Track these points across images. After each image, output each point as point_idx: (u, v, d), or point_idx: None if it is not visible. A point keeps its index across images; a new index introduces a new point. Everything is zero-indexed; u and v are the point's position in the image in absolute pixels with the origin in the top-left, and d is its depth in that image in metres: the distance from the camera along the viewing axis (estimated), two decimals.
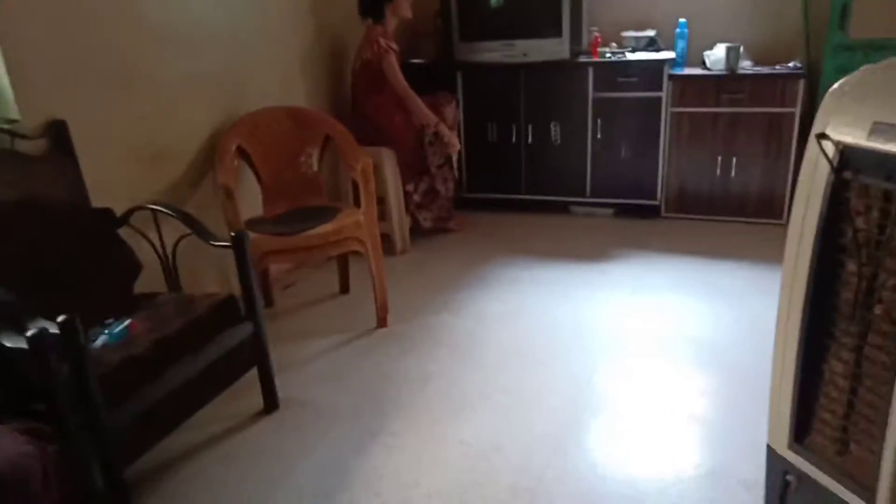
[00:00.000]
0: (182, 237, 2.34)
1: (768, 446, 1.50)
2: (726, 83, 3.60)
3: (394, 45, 3.50)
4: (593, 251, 3.53)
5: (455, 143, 3.65)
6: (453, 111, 3.83)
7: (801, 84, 3.47)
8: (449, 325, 2.83)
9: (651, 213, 3.94)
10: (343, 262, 3.16)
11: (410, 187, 3.63)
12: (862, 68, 1.28)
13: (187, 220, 2.26)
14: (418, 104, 3.52)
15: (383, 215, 3.38)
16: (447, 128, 3.62)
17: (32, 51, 2.12)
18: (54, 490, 1.47)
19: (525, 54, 3.87)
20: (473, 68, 4.01)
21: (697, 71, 3.71)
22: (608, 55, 3.83)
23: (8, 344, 1.52)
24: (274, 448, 2.10)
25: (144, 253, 2.35)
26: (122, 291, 2.28)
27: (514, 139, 4.06)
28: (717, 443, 2.00)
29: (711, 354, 2.50)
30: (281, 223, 2.72)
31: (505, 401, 2.28)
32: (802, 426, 1.40)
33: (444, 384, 2.40)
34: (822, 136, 1.23)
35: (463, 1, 3.93)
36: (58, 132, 2.19)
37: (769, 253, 3.35)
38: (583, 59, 3.84)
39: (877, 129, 1.13)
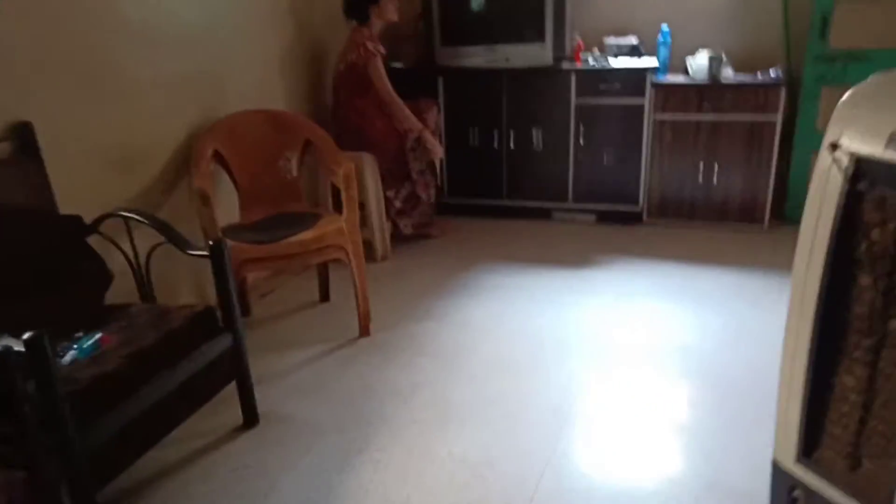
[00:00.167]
0: (156, 246, 2.23)
1: (774, 461, 1.46)
2: (708, 91, 3.59)
3: (381, 49, 3.42)
4: (576, 257, 3.49)
5: (438, 150, 3.59)
6: (435, 116, 3.77)
7: (782, 93, 3.48)
8: (432, 334, 2.76)
9: (633, 219, 3.92)
10: (323, 270, 3.07)
11: (391, 193, 3.56)
12: (872, 75, 1.25)
13: (163, 227, 2.16)
14: (404, 110, 3.45)
15: (363, 221, 3.30)
16: (431, 134, 3.55)
17: None
18: None
19: (507, 59, 3.83)
20: (455, 73, 3.95)
21: (680, 79, 3.70)
22: (591, 62, 3.81)
23: None
24: (255, 465, 2.00)
25: (115, 262, 2.24)
26: (92, 303, 2.17)
27: (495, 145, 4.01)
28: (711, 454, 1.96)
29: (699, 362, 2.47)
30: (259, 230, 2.63)
31: (492, 412, 2.22)
32: (811, 441, 1.36)
33: (429, 395, 2.32)
34: (835, 146, 1.19)
35: (445, 4, 3.88)
36: (23, 135, 2.08)
37: (752, 259, 3.35)
38: (565, 65, 3.81)
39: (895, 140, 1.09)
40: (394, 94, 3.41)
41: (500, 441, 2.06)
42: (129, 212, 2.23)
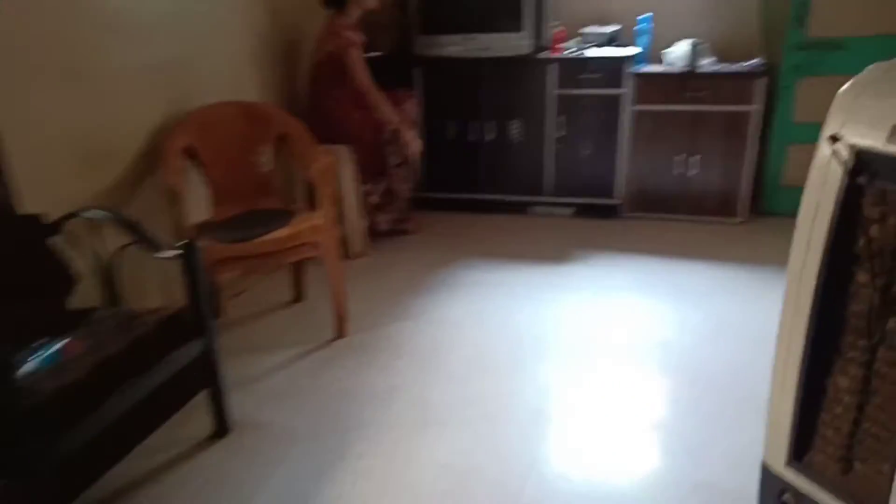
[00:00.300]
0: (124, 246, 2.13)
1: (764, 463, 1.43)
2: (688, 81, 3.56)
3: (359, 37, 3.31)
4: (555, 252, 3.45)
5: (416, 145, 3.51)
6: (413, 108, 3.69)
7: (762, 82, 3.46)
8: (411, 333, 2.69)
9: (611, 212, 3.88)
10: (297, 268, 2.99)
11: (368, 188, 3.47)
12: (871, 66, 1.20)
13: (132, 228, 2.06)
14: (381, 102, 3.35)
15: (339, 217, 3.22)
16: (408, 127, 3.47)
17: None
18: None
19: (486, 49, 3.76)
20: (433, 63, 3.88)
21: (659, 68, 3.67)
22: (570, 51, 3.75)
23: None
24: (228, 477, 1.92)
25: (80, 264, 2.13)
26: (55, 308, 2.07)
27: (473, 137, 3.94)
28: (695, 453, 1.93)
29: (679, 358, 2.44)
30: (232, 228, 2.53)
31: (473, 414, 2.16)
32: (802, 444, 1.33)
33: (409, 398, 2.26)
34: (834, 138, 1.15)
35: None
36: None
37: (730, 252, 3.34)
38: (544, 54, 3.75)
39: None
40: (373, 86, 3.32)
41: (482, 445, 2.01)
42: (95, 211, 2.13)
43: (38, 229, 2.08)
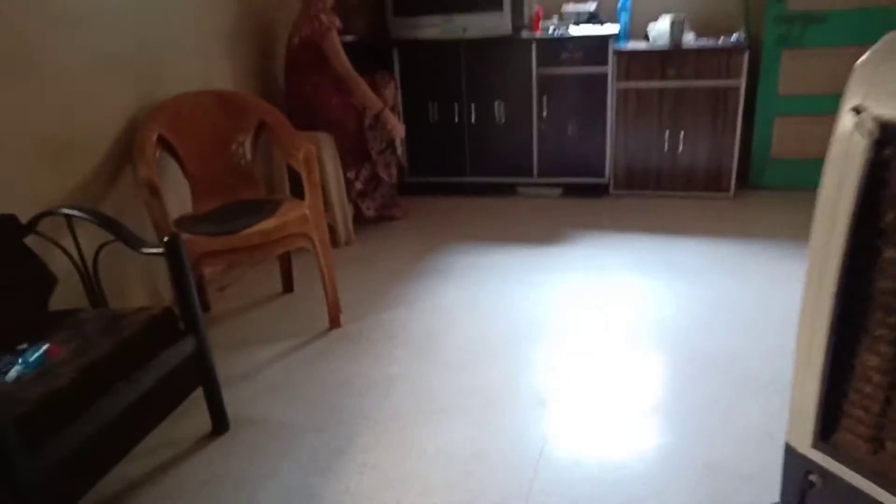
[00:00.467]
0: (103, 244, 2.03)
1: (787, 444, 1.40)
2: (671, 57, 3.52)
3: (336, 21, 3.20)
4: (545, 233, 3.41)
5: (400, 129, 3.42)
6: (393, 92, 3.59)
7: (745, 57, 3.43)
8: (406, 321, 2.63)
9: (599, 191, 3.85)
10: (285, 259, 2.90)
11: (352, 174, 3.38)
12: (888, 34, 1.16)
13: (110, 225, 1.96)
14: (363, 87, 3.25)
15: (323, 205, 3.12)
16: (391, 111, 3.38)
17: None
18: None
19: (465, 29, 3.68)
20: (410, 45, 3.78)
21: (642, 45, 3.62)
22: (551, 30, 3.69)
23: None
24: (229, 475, 1.86)
25: (58, 264, 2.03)
26: (35, 310, 1.97)
27: (456, 119, 3.87)
28: (702, 433, 1.91)
29: (677, 337, 2.42)
30: (216, 221, 2.44)
31: (475, 401, 2.12)
32: (829, 424, 1.30)
33: (409, 387, 2.21)
34: (858, 108, 1.11)
35: None
36: None
37: (720, 227, 3.33)
38: (525, 34, 3.68)
39: None
40: (352, 70, 3.22)
41: (486, 432, 1.97)
42: (71, 209, 2.02)
43: (13, 229, 1.97)
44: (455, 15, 3.68)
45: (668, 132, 3.64)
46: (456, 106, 3.84)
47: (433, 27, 3.72)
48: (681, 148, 3.65)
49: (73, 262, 2.07)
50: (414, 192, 3.98)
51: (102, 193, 2.43)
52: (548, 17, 3.83)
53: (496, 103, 3.79)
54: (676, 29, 3.49)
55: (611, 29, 3.63)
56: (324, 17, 3.14)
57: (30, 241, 1.98)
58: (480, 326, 2.57)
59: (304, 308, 2.76)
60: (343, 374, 2.30)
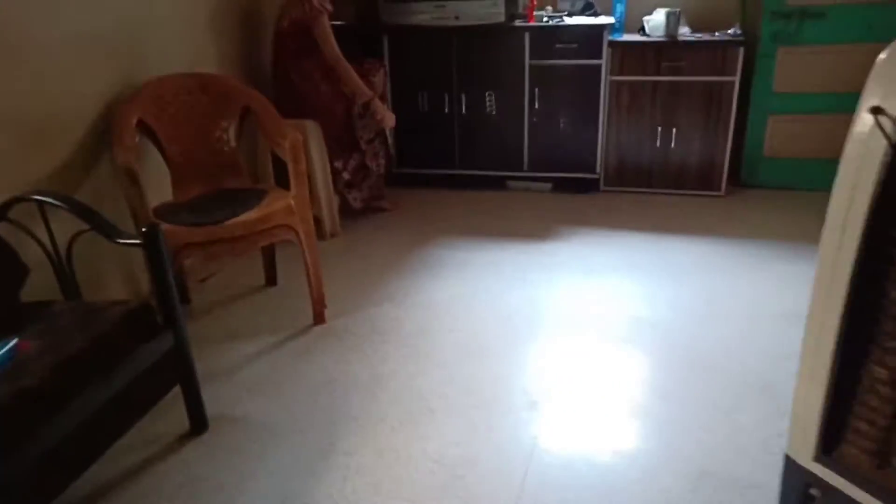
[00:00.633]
0: (78, 233, 1.94)
1: (787, 457, 1.36)
2: (666, 50, 3.47)
3: (328, 5, 3.10)
4: (536, 229, 3.35)
5: (389, 118, 3.34)
6: (382, 80, 3.51)
7: (740, 52, 3.38)
8: (394, 318, 2.57)
9: (590, 186, 3.79)
10: (268, 250, 2.82)
11: (339, 164, 3.30)
12: None
13: (85, 213, 1.87)
14: (352, 75, 3.16)
15: (309, 196, 3.04)
16: (380, 100, 3.30)
17: None
18: None
19: (457, 17, 3.59)
20: (401, 32, 3.70)
21: (637, 38, 3.56)
22: (545, 19, 3.62)
23: None
24: (207, 477, 1.79)
25: (30, 253, 1.94)
26: (5, 302, 1.88)
27: (446, 109, 3.79)
28: (697, 438, 1.86)
29: (672, 339, 2.37)
30: (197, 210, 2.35)
31: (464, 402, 2.06)
32: (832, 437, 1.25)
33: (397, 387, 2.14)
34: (877, 109, 1.05)
35: None
36: None
37: (712, 226, 3.29)
38: (519, 22, 3.61)
39: None
40: (341, 57, 3.12)
41: (476, 435, 1.91)
42: (45, 195, 1.93)
43: None
44: (447, 1, 3.60)
45: (660, 128, 3.59)
46: (446, 96, 3.77)
47: (425, 13, 3.64)
48: (673, 144, 3.60)
49: (46, 252, 1.98)
50: (402, 184, 3.91)
51: (80, 179, 2.34)
52: (542, 6, 3.75)
53: (487, 94, 3.72)
54: (672, 21, 3.44)
55: (605, 20, 3.56)
56: (315, 1, 3.04)
57: (0, 229, 1.89)
58: (472, 324, 2.51)
59: (288, 302, 2.68)
60: (327, 372, 2.23)
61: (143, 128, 2.46)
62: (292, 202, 2.39)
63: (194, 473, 1.80)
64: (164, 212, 2.35)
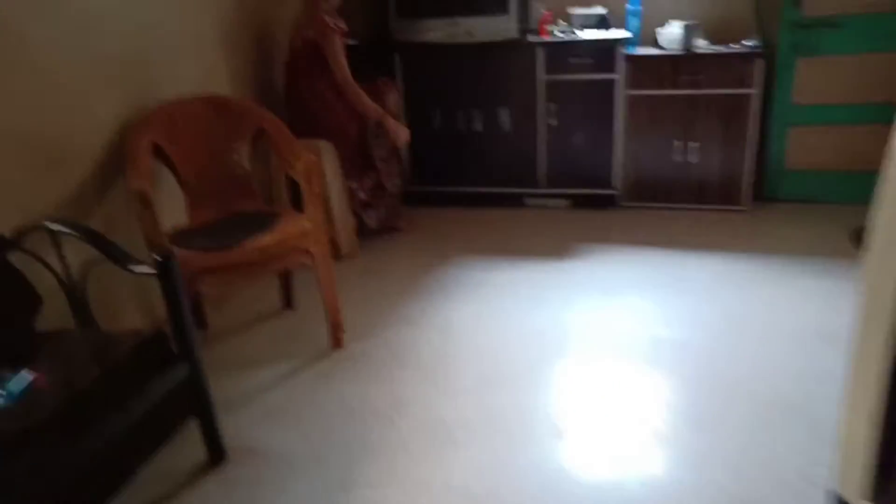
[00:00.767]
0: (92, 261, 1.91)
1: (833, 494, 1.29)
2: (683, 63, 3.42)
3: (341, 24, 3.08)
4: (553, 247, 3.28)
5: (403, 135, 3.30)
6: (395, 98, 3.47)
7: (760, 64, 3.32)
8: (412, 341, 2.51)
9: (608, 202, 3.73)
10: (284, 272, 2.78)
11: (354, 184, 3.26)
12: None
13: (97, 240, 1.84)
14: (361, 95, 3.13)
15: (325, 217, 3.00)
16: (392, 117, 3.26)
17: None
18: None
19: (469, 33, 3.56)
20: (413, 49, 3.67)
21: (652, 51, 3.51)
22: (558, 34, 3.58)
23: None
24: None
25: (44, 281, 1.90)
26: (19, 332, 1.84)
27: (460, 126, 3.75)
28: (729, 466, 1.79)
29: (698, 359, 2.30)
30: (212, 235, 2.32)
31: (488, 430, 1.99)
32: (885, 474, 1.18)
33: (417, 415, 2.09)
34: None
35: None
36: None
37: (737, 242, 3.21)
38: (532, 38, 3.57)
39: None
40: (350, 77, 3.10)
41: (499, 465, 1.85)
42: (58, 222, 1.90)
43: None
44: (459, 18, 3.57)
45: (679, 142, 3.53)
46: (460, 113, 3.73)
47: (437, 31, 3.60)
48: (693, 158, 3.53)
49: (59, 280, 1.94)
50: (416, 202, 3.86)
51: (94, 204, 2.31)
52: (555, 21, 3.71)
53: (501, 110, 3.67)
54: (689, 34, 3.39)
55: (620, 34, 3.51)
56: (328, 20, 3.03)
57: (13, 257, 1.86)
58: (490, 347, 2.45)
59: (306, 326, 2.64)
60: (346, 399, 2.18)
61: (157, 151, 2.43)
62: (307, 226, 2.34)
63: None
64: (179, 237, 2.31)
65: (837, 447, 1.26)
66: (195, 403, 1.83)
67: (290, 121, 2.97)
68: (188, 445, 1.88)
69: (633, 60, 3.48)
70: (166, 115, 2.50)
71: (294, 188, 2.60)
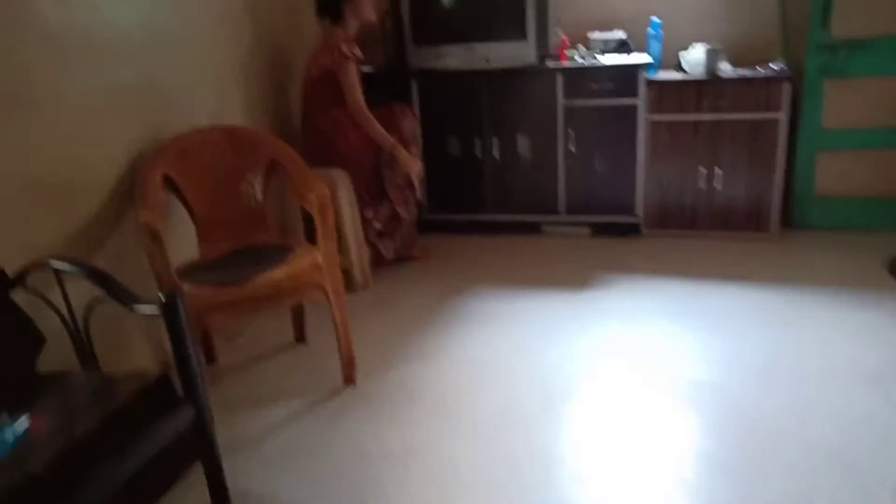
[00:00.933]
0: (95, 301, 1.84)
1: None
2: (707, 88, 3.32)
3: (357, 52, 3.05)
4: (575, 277, 3.18)
5: (415, 166, 3.23)
6: (411, 125, 3.40)
7: (787, 87, 3.22)
8: (427, 379, 2.42)
9: (631, 230, 3.63)
10: (297, 304, 2.70)
11: (369, 213, 3.20)
12: None
13: (100, 279, 1.77)
14: (373, 123, 3.08)
15: (339, 247, 2.94)
16: (405, 147, 3.19)
17: None
18: None
19: (487, 59, 3.51)
20: (430, 75, 3.62)
21: (675, 75, 3.43)
22: (578, 59, 3.51)
23: None
24: None
25: (48, 320, 1.84)
26: (20, 373, 1.78)
27: (478, 153, 3.69)
28: None
29: (731, 402, 2.17)
30: (223, 269, 2.25)
31: (506, 477, 1.89)
32: None
33: (432, 459, 1.98)
34: None
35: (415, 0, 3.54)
36: None
37: (764, 272, 3.09)
38: (551, 63, 3.50)
39: None
40: (362, 105, 3.05)
41: None
42: (62, 260, 1.84)
43: (1, 283, 1.80)
44: (476, 44, 3.52)
45: (704, 168, 3.42)
46: (478, 140, 3.66)
47: (454, 57, 3.56)
48: (718, 185, 3.42)
49: (62, 319, 1.88)
50: (433, 230, 3.78)
51: (104, 237, 2.26)
52: (572, 45, 3.64)
53: (520, 136, 3.60)
54: (713, 58, 3.30)
55: (641, 58, 3.44)
56: (344, 48, 2.99)
57: (17, 295, 1.81)
58: (509, 386, 2.35)
59: (318, 361, 2.56)
60: (358, 441, 2.08)
61: (169, 183, 2.38)
62: (320, 260, 2.27)
63: None
64: (189, 270, 2.25)
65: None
66: (200, 448, 1.75)
67: (306, 149, 2.93)
68: (191, 491, 1.80)
69: (656, 85, 3.39)
70: (178, 146, 2.45)
71: (308, 219, 2.54)
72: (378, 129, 3.09)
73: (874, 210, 3.42)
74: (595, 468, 1.90)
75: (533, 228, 3.77)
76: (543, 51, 3.52)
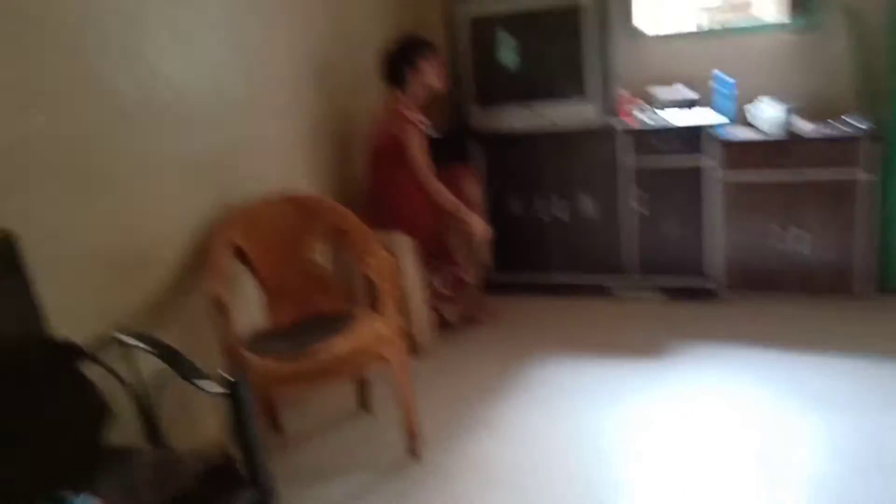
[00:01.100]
0: (162, 372, 1.83)
1: None
2: (785, 148, 3.16)
3: (421, 118, 3.06)
4: (648, 344, 3.02)
5: (480, 228, 3.17)
6: (473, 186, 3.37)
7: (868, 144, 3.04)
8: (493, 455, 2.31)
9: (708, 295, 3.44)
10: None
11: (433, 278, 3.15)
12: None
13: (165, 353, 1.77)
14: (440, 189, 3.06)
15: (402, 311, 2.88)
16: (469, 210, 3.15)
17: None
18: None
19: (547, 119, 3.46)
20: (492, 137, 3.60)
21: (750, 134, 3.28)
22: (643, 118, 3.42)
23: None
24: None
25: (116, 392, 1.83)
26: (86, 447, 1.77)
27: (542, 215, 3.61)
28: None
29: (823, 497, 1.96)
30: (288, 339, 2.23)
31: None
32: None
33: None
34: None
35: (476, 62, 3.55)
36: (2, 246, 1.72)
37: (858, 341, 2.83)
38: (616, 123, 3.43)
39: None
40: (428, 172, 3.05)
41: None
42: (128, 334, 1.85)
43: (73, 355, 1.81)
44: (537, 104, 3.49)
45: (783, 229, 3.24)
46: (542, 200, 3.60)
47: (515, 118, 3.54)
48: (799, 247, 3.23)
49: (130, 392, 1.87)
50: (497, 292, 3.69)
51: (173, 306, 2.27)
52: (633, 101, 3.55)
53: (584, 197, 3.52)
54: (789, 117, 3.16)
55: (706, 114, 3.33)
56: (408, 114, 3.00)
57: (85, 367, 1.81)
58: (580, 464, 2.21)
59: (382, 431, 2.48)
60: None
61: (237, 251, 2.39)
62: (383, 330, 2.22)
63: None
64: (255, 340, 2.24)
65: None
66: None
67: (369, 213, 2.91)
68: None
69: (732, 145, 3.26)
70: (245, 215, 2.48)
71: (372, 286, 2.50)
72: (445, 194, 3.07)
73: None
74: None
75: (602, 291, 3.63)
76: (605, 109, 3.45)
